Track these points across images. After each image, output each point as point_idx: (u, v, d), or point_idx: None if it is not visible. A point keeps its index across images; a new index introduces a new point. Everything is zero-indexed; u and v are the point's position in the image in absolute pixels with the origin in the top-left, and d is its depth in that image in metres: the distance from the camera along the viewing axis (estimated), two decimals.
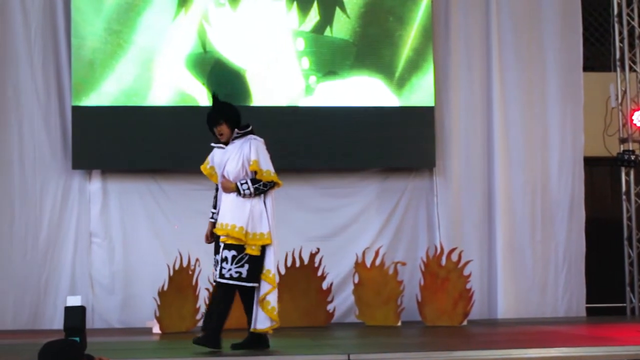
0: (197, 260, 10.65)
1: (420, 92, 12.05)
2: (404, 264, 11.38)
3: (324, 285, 11.26)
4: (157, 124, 11.67)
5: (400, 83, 12.01)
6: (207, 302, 8.28)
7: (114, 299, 11.67)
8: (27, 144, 11.70)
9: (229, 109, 8.11)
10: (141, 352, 8.16)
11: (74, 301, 7.30)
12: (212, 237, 8.03)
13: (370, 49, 12.01)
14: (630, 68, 12.75)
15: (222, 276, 7.79)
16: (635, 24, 12.78)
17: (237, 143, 8.00)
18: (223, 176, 7.97)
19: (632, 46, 12.79)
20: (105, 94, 11.62)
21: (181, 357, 7.47)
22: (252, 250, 7.79)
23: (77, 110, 11.62)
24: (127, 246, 11.75)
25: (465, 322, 11.04)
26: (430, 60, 12.09)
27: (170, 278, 10.67)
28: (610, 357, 7.45)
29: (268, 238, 7.85)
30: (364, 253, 11.30)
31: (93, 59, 11.60)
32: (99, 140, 11.59)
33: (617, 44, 12.79)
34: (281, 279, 11.00)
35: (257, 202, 7.90)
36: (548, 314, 12.11)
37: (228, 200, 7.93)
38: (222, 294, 7.91)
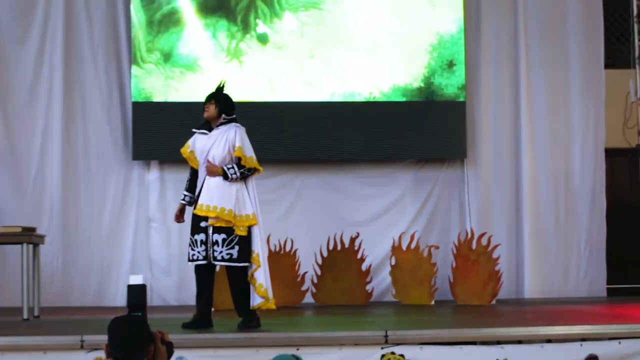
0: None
1: (452, 88, 12.04)
2: (437, 247, 11.36)
3: (363, 267, 11.26)
4: None
5: (433, 80, 12.00)
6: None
7: (171, 279, 11.72)
8: (91, 138, 11.78)
9: (225, 95, 8.00)
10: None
11: (136, 280, 7.38)
12: (182, 217, 7.97)
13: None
14: None
15: (215, 259, 7.69)
16: None
17: (222, 129, 7.84)
18: (208, 160, 7.77)
19: None
20: (161, 91, 11.71)
21: (229, 332, 7.50)
22: (241, 231, 7.66)
23: (137, 106, 11.70)
24: (182, 230, 11.68)
25: (494, 302, 10.99)
26: (462, 58, 12.07)
27: None
28: (630, 334, 7.38)
29: (254, 219, 7.73)
30: (400, 237, 11.30)
31: (149, 61, 11.69)
32: (157, 133, 11.63)
33: (636, 42, 12.68)
34: (323, 261, 11.08)
35: (240, 185, 7.76)
36: (571, 294, 12.03)
37: (212, 184, 7.74)
38: (211, 275, 7.90)
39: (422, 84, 11.97)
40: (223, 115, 7.88)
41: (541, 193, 12.17)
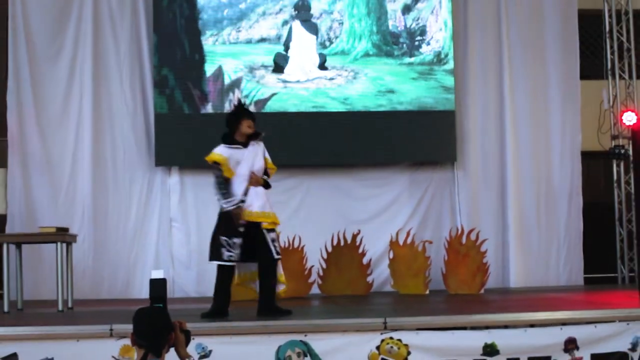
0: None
1: (443, 99, 12.03)
2: (430, 242, 11.36)
3: (364, 261, 11.26)
4: (224, 127, 11.71)
5: (427, 92, 12.01)
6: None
7: (191, 273, 11.72)
8: (118, 146, 11.79)
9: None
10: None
11: (157, 274, 7.33)
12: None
13: None
14: (620, 76, 12.62)
15: (277, 253, 7.92)
16: (624, 39, 12.65)
17: (254, 146, 8.02)
18: (254, 172, 7.92)
19: (620, 58, 12.66)
20: (181, 102, 11.74)
21: (247, 321, 7.50)
22: (278, 230, 8.08)
23: (159, 117, 11.71)
24: (201, 229, 11.76)
25: (482, 291, 10.98)
26: (451, 71, 12.06)
27: None
28: (605, 319, 7.38)
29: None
30: (397, 233, 11.29)
31: (170, 76, 11.72)
32: (177, 141, 11.65)
33: (609, 56, 12.68)
34: (328, 255, 11.09)
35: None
36: (552, 282, 12.00)
37: (260, 193, 7.95)
38: (274, 269, 7.95)
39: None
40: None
41: (524, 192, 12.15)
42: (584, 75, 12.50)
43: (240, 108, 8.23)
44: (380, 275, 11.68)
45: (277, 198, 11.75)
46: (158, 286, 7.23)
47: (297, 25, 11.99)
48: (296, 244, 10.99)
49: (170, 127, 11.68)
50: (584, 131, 12.30)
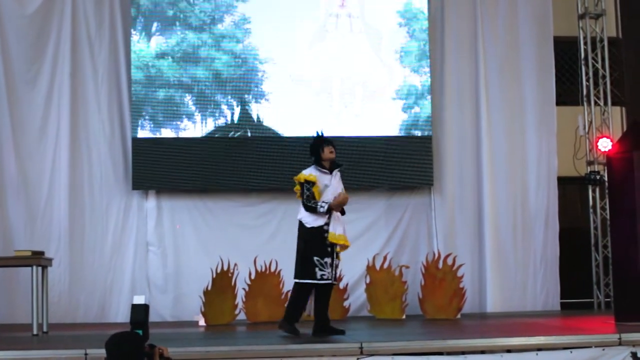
0: (235, 265, 10.64)
1: (420, 124, 12.07)
2: (407, 267, 11.36)
3: (341, 285, 11.19)
4: (201, 151, 11.73)
5: (404, 117, 12.05)
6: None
7: (167, 297, 11.66)
8: (95, 169, 11.74)
9: None
10: (190, 341, 8.15)
11: (139, 300, 7.32)
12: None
13: None
14: (595, 102, 12.72)
15: (337, 278, 8.55)
16: (599, 66, 12.75)
17: (337, 172, 8.51)
18: (340, 193, 8.43)
19: (596, 84, 12.76)
20: (158, 127, 11.71)
21: (222, 346, 7.46)
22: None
23: (136, 141, 11.68)
24: (178, 253, 11.77)
25: (459, 316, 10.97)
26: (428, 97, 12.11)
27: (213, 280, 10.66)
28: (581, 344, 7.39)
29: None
30: (374, 258, 11.29)
31: (149, 100, 11.71)
32: (154, 165, 11.62)
33: (584, 82, 12.77)
34: None
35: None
36: (528, 307, 12.02)
37: (340, 218, 8.45)
38: (328, 292, 8.46)
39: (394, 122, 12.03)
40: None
41: (500, 217, 12.18)
42: (560, 102, 12.59)
43: (321, 136, 8.65)
44: (357, 299, 11.66)
45: (253, 222, 11.85)
46: (139, 311, 7.20)
47: None
48: (272, 268, 10.94)
49: (147, 150, 11.65)
50: (560, 157, 12.37)
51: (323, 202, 8.30)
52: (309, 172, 8.44)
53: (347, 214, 11.93)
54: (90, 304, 11.54)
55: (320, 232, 8.32)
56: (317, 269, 8.22)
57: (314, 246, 8.27)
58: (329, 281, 8.30)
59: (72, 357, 6.94)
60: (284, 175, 11.57)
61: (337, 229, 8.32)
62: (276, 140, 11.84)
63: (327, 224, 8.33)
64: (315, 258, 8.23)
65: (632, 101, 13.09)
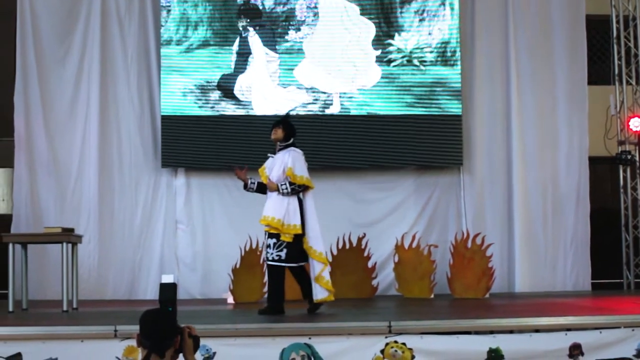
0: (264, 242, 10.67)
1: (450, 104, 12.02)
2: (436, 246, 11.33)
3: (369, 264, 11.25)
4: (229, 130, 11.75)
5: (434, 95, 12.01)
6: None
7: (196, 275, 11.74)
8: (124, 148, 11.81)
9: (289, 123, 8.71)
10: (218, 318, 8.21)
11: (168, 279, 7.44)
12: (243, 175, 8.63)
13: None
14: (627, 82, 12.58)
15: (266, 259, 8.43)
16: (631, 44, 12.61)
17: (282, 153, 8.55)
18: (268, 178, 8.49)
19: (628, 64, 12.62)
20: (188, 105, 11.74)
21: (251, 323, 7.50)
22: (286, 238, 8.35)
23: (166, 119, 11.72)
24: (206, 231, 11.82)
25: (487, 295, 10.96)
26: (458, 75, 12.05)
27: (242, 257, 10.72)
28: (610, 324, 7.36)
29: (299, 229, 8.36)
30: (402, 237, 11.28)
31: (178, 78, 11.74)
32: (183, 143, 11.67)
33: (616, 62, 12.64)
34: (333, 258, 11.04)
35: (293, 200, 8.45)
36: (558, 287, 11.97)
37: (272, 198, 8.48)
38: (269, 273, 8.47)
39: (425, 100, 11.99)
40: (278, 143, 8.58)
41: (530, 197, 12.12)
42: (591, 81, 12.47)
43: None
44: (385, 278, 11.66)
45: None
46: (168, 290, 7.22)
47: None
48: None
49: (176, 128, 11.69)
50: (590, 136, 12.27)
51: (254, 180, 8.68)
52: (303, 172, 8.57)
53: (376, 192, 12.13)
54: (119, 281, 11.63)
55: None
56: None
57: None
58: (269, 262, 8.43)
59: (101, 333, 7.00)
60: (314, 152, 11.60)
61: (265, 210, 8.51)
62: (305, 119, 11.83)
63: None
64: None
65: None
